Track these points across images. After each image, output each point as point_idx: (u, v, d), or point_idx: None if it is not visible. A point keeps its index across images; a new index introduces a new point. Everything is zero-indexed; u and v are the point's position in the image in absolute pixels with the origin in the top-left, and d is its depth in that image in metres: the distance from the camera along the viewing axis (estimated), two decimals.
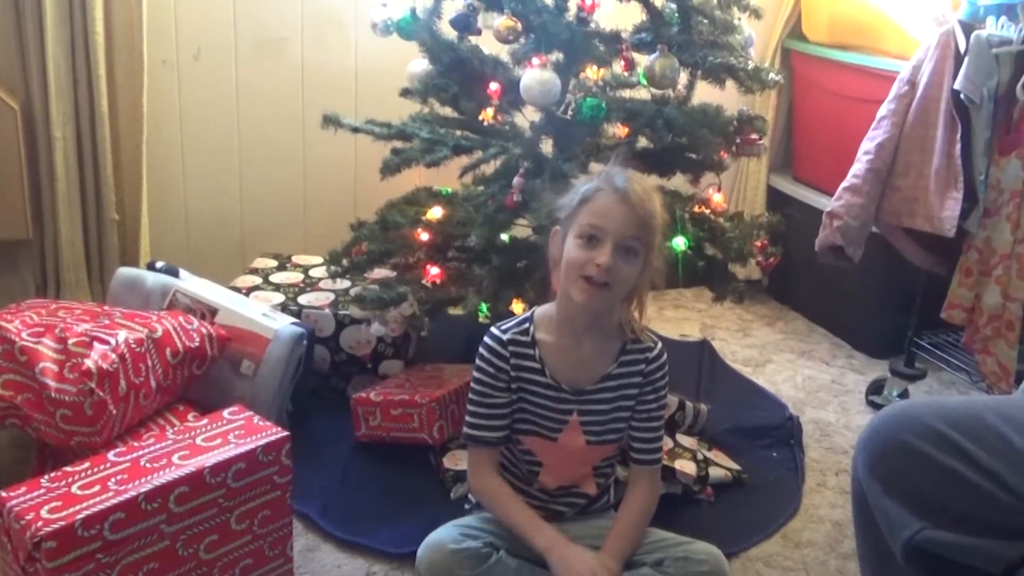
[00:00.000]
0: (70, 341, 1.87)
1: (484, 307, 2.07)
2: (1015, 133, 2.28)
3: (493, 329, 1.72)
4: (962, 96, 2.25)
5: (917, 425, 1.32)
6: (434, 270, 2.16)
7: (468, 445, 1.75)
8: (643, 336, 1.73)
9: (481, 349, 1.71)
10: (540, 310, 1.74)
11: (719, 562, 1.63)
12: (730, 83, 2.18)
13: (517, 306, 2.04)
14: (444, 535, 1.62)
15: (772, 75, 2.23)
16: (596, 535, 1.70)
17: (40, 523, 1.42)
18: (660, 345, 1.75)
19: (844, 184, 2.48)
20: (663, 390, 1.74)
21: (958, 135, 2.29)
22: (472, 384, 1.71)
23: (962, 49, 2.28)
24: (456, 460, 2.14)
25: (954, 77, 2.27)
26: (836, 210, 2.47)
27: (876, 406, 2.66)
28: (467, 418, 1.72)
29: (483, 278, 2.12)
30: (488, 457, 1.73)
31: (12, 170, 2.40)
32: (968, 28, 2.29)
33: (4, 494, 1.49)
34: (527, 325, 1.72)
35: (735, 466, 2.23)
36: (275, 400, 2.16)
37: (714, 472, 2.16)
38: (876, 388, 2.71)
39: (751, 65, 2.19)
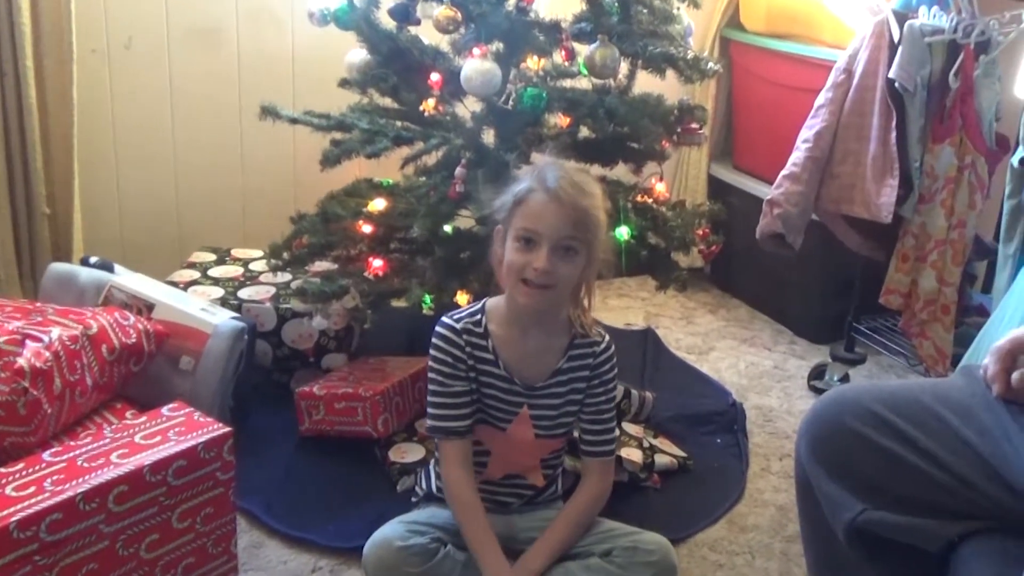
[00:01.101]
0: (1, 339, 1.81)
1: (428, 299, 2.06)
2: (948, 121, 2.33)
3: (445, 318, 1.71)
4: (896, 85, 2.29)
5: (857, 409, 1.34)
6: (377, 262, 2.14)
7: (436, 439, 1.72)
8: (591, 330, 1.73)
9: (435, 340, 1.69)
10: (491, 302, 1.73)
11: (667, 552, 1.65)
12: (670, 73, 2.18)
13: (461, 297, 2.04)
14: (390, 532, 1.61)
15: (711, 64, 2.24)
16: (543, 527, 1.70)
17: None
18: (608, 339, 1.75)
19: (784, 172, 2.50)
20: (611, 383, 1.75)
21: (893, 123, 2.33)
22: (431, 375, 1.70)
23: (896, 38, 2.32)
24: (402, 453, 2.12)
25: (889, 66, 2.31)
26: (776, 198, 2.49)
27: (818, 391, 2.69)
28: (430, 410, 1.70)
29: (426, 270, 2.11)
30: (460, 450, 1.69)
31: None
32: (901, 18, 2.33)
33: None
34: (479, 316, 1.71)
35: (681, 453, 2.25)
36: (216, 396, 2.13)
37: (660, 459, 2.18)
38: (818, 373, 2.75)
39: (691, 55, 2.19)
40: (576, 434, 1.79)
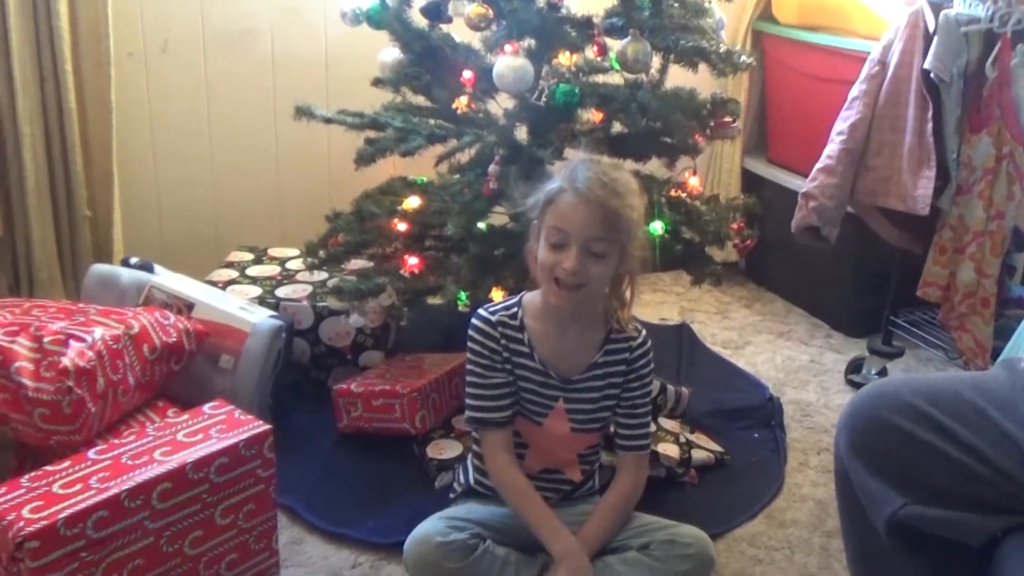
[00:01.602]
0: (46, 339, 1.85)
1: (463, 296, 2.07)
2: (985, 111, 2.30)
3: (481, 311, 1.72)
4: (932, 75, 2.27)
5: (897, 402, 1.33)
6: (412, 260, 2.15)
7: (477, 431, 1.74)
8: (627, 326, 1.73)
9: (471, 332, 1.71)
10: (528, 295, 1.74)
11: (705, 545, 1.65)
12: (702, 66, 2.17)
13: (496, 294, 2.04)
14: (430, 528, 1.62)
15: (744, 58, 2.22)
16: (580, 521, 1.70)
17: (22, 523, 1.40)
18: (644, 334, 1.76)
19: (818, 165, 2.49)
20: (647, 378, 1.75)
21: (929, 114, 2.31)
22: (468, 367, 1.71)
23: (931, 28, 2.29)
24: (439, 449, 2.14)
25: (924, 56, 2.29)
26: (811, 191, 2.48)
27: (855, 385, 2.67)
28: (469, 402, 1.72)
29: (461, 267, 2.11)
30: (501, 440, 1.71)
31: None
32: (936, 7, 2.31)
33: None
34: (515, 309, 1.72)
35: (718, 448, 2.25)
36: (255, 394, 2.15)
37: (697, 454, 2.17)
38: (855, 367, 2.73)
39: (723, 48, 2.18)
40: (612, 429, 1.80)
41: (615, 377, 1.73)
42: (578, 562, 1.60)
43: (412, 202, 2.19)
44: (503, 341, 1.70)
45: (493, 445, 1.71)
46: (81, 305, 2.13)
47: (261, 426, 1.70)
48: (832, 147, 2.47)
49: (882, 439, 1.33)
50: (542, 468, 1.76)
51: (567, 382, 1.71)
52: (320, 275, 2.53)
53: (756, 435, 2.38)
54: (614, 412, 1.76)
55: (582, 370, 1.71)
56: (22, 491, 1.48)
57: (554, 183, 1.63)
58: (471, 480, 1.81)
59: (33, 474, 1.54)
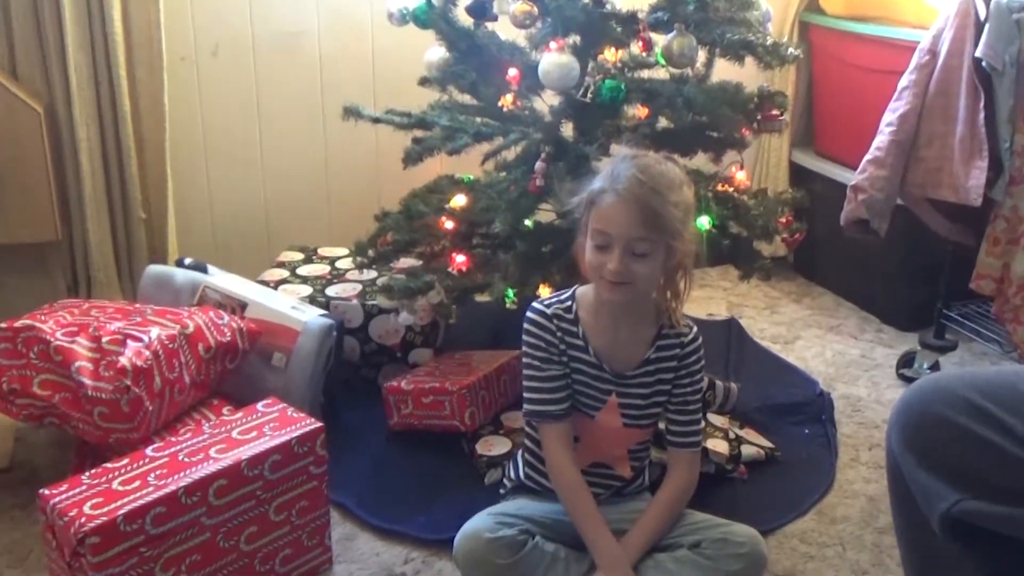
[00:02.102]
0: (104, 339, 1.89)
1: (511, 293, 2.08)
2: None
3: (535, 304, 1.73)
4: (984, 64, 2.23)
5: (950, 397, 1.31)
6: (460, 258, 2.16)
7: (536, 424, 1.75)
8: (678, 322, 1.73)
9: (527, 325, 1.71)
10: (581, 289, 1.75)
11: (757, 544, 1.64)
12: (749, 60, 2.16)
13: (544, 291, 2.05)
14: (480, 524, 1.63)
15: (791, 50, 2.20)
16: (630, 519, 1.71)
17: (83, 519, 1.44)
18: (695, 330, 1.76)
19: (867, 157, 2.46)
20: (698, 375, 1.75)
21: (981, 103, 2.27)
22: (525, 360, 1.72)
23: (982, 16, 2.26)
24: (489, 446, 2.15)
25: (975, 45, 2.25)
26: (860, 183, 2.45)
27: (907, 379, 2.64)
28: (527, 395, 1.72)
29: (508, 264, 2.12)
30: (560, 433, 1.71)
31: (39, 172, 2.42)
32: None
33: (47, 492, 1.52)
34: (569, 303, 1.73)
35: (768, 444, 2.23)
36: (307, 392, 2.18)
37: (747, 450, 2.16)
38: (906, 361, 2.69)
39: (769, 41, 2.16)
40: (662, 426, 1.80)
41: (666, 373, 1.73)
42: (619, 574, 1.61)
43: (459, 200, 2.20)
44: (559, 334, 1.70)
45: (551, 438, 1.71)
46: (137, 305, 2.18)
47: (313, 423, 1.73)
48: (881, 138, 2.44)
49: (935, 434, 1.31)
50: (592, 462, 1.76)
51: (620, 377, 1.71)
52: (369, 274, 2.56)
53: (806, 431, 2.36)
54: (665, 408, 1.76)
55: (634, 366, 1.72)
56: (83, 488, 1.52)
57: (596, 183, 1.63)
58: (521, 475, 1.82)
59: (93, 471, 1.58)
